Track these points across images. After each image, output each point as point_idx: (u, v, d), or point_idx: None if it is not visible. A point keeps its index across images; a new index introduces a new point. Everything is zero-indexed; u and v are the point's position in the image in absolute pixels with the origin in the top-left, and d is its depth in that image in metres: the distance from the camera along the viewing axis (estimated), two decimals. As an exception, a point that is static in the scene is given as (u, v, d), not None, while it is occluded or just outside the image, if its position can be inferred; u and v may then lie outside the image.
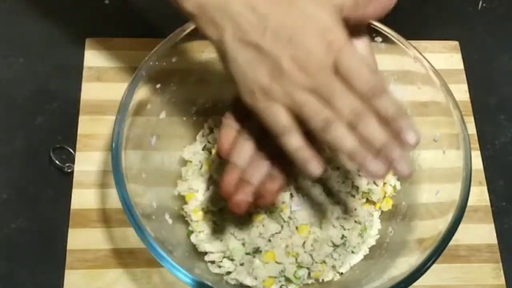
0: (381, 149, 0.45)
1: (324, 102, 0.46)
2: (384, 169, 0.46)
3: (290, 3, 0.46)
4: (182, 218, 0.66)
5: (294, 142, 0.47)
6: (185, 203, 0.66)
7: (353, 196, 0.67)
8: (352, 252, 0.65)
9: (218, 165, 0.65)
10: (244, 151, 0.52)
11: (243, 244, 0.63)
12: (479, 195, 0.71)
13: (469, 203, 0.57)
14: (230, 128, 0.53)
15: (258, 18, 0.46)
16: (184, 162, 0.69)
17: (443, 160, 0.62)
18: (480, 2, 0.86)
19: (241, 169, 0.52)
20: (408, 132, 0.45)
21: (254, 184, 0.51)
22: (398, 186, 0.68)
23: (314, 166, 0.47)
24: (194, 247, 0.64)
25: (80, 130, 0.71)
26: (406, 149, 0.46)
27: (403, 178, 0.44)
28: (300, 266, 0.63)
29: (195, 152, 0.69)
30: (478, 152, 0.74)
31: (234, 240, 0.63)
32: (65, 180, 0.69)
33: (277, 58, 0.46)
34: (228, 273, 0.63)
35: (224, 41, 0.47)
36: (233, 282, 0.62)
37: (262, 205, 0.52)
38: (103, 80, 0.74)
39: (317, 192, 0.65)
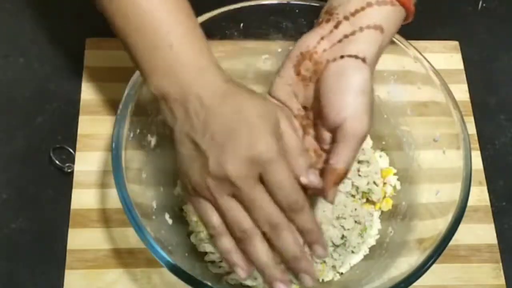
0: (290, 261, 0.48)
1: (246, 209, 0.48)
2: None
3: (238, 110, 0.47)
4: (182, 218, 0.66)
5: (223, 244, 0.50)
6: (185, 203, 0.66)
7: (353, 196, 0.67)
8: (352, 252, 0.65)
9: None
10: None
11: (243, 244, 0.63)
12: (479, 195, 0.71)
13: (469, 203, 0.57)
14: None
15: (205, 117, 0.47)
16: (184, 162, 0.69)
17: (443, 160, 0.62)
18: (480, 2, 0.86)
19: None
20: (318, 246, 0.49)
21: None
22: (398, 186, 0.68)
23: (240, 270, 0.49)
24: (194, 247, 0.64)
25: (80, 130, 0.71)
26: (315, 260, 0.52)
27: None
28: (300, 266, 0.63)
29: (195, 152, 0.69)
30: (478, 152, 0.74)
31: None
32: (65, 180, 0.69)
33: (208, 160, 0.47)
34: (228, 273, 0.62)
35: (174, 130, 0.50)
36: (233, 282, 0.62)
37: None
38: (103, 80, 0.74)
39: (317, 192, 0.65)
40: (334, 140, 0.52)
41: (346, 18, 0.53)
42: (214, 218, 0.49)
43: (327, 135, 0.53)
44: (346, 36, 0.53)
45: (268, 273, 0.49)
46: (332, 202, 0.52)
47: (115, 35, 0.52)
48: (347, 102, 0.51)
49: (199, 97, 0.48)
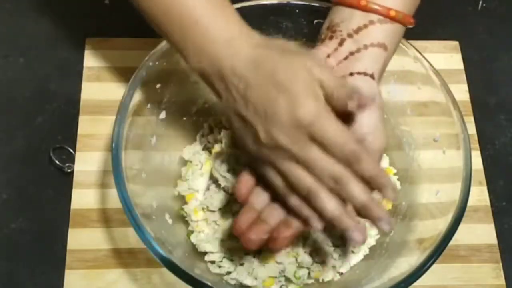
0: (361, 211, 0.48)
1: (306, 168, 0.48)
2: (364, 239, 0.49)
3: (271, 76, 0.48)
4: (182, 218, 0.66)
5: (292, 201, 0.50)
6: (185, 203, 0.66)
7: (353, 196, 0.67)
8: (352, 252, 0.65)
9: (219, 164, 0.65)
10: (261, 199, 0.53)
11: (243, 244, 0.63)
12: (479, 195, 0.71)
13: (469, 203, 0.57)
14: (247, 177, 0.54)
15: (244, 89, 0.48)
16: (184, 162, 0.69)
17: (443, 160, 0.62)
18: (480, 2, 0.86)
19: (258, 211, 0.53)
20: (387, 190, 0.48)
21: (270, 224, 0.52)
22: (398, 186, 0.68)
23: (315, 221, 0.50)
24: (194, 247, 0.64)
25: (80, 130, 0.71)
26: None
27: (384, 234, 0.49)
28: (300, 266, 0.63)
29: (195, 152, 0.69)
30: (478, 152, 0.74)
31: (234, 240, 0.63)
32: (65, 180, 0.69)
33: (256, 130, 0.49)
34: (228, 273, 0.62)
35: (223, 106, 0.51)
36: (233, 282, 0.62)
37: (273, 248, 0.52)
38: (103, 80, 0.74)
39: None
40: None
41: (349, 35, 0.54)
42: (277, 180, 0.50)
43: None
44: (351, 54, 0.53)
45: (342, 223, 0.48)
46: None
47: (156, 32, 0.53)
48: (365, 118, 0.52)
49: (232, 69, 0.48)
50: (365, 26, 0.53)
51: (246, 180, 0.54)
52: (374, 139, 0.52)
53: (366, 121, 0.52)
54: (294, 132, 0.47)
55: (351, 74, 0.53)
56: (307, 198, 0.49)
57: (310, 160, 0.48)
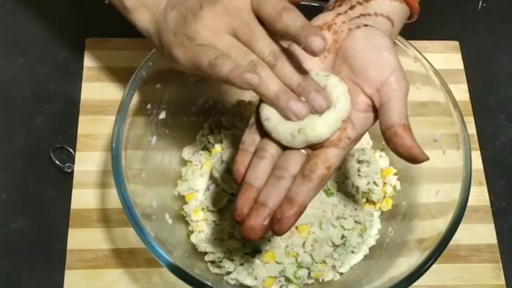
0: (299, 88, 0.48)
1: (247, 45, 0.48)
2: (306, 109, 0.48)
3: None
4: (182, 218, 0.66)
5: (226, 66, 0.46)
6: (185, 203, 0.66)
7: (353, 196, 0.67)
8: (352, 252, 0.65)
9: (219, 164, 0.65)
10: (260, 170, 0.49)
11: (243, 244, 0.63)
12: (479, 195, 0.71)
13: (469, 203, 0.57)
14: (246, 152, 0.51)
15: None
16: (184, 162, 0.69)
17: (443, 160, 0.62)
18: (480, 2, 0.86)
19: (257, 190, 0.48)
20: (314, 38, 0.45)
21: (270, 207, 0.47)
22: (398, 186, 0.68)
23: (250, 75, 0.46)
24: (194, 247, 0.64)
25: (80, 130, 0.71)
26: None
27: (319, 112, 0.47)
28: (300, 266, 0.63)
29: (195, 152, 0.69)
30: (478, 152, 0.74)
31: (234, 240, 0.63)
32: (65, 180, 0.69)
33: (198, 1, 0.48)
34: (228, 273, 0.62)
35: (157, 19, 0.52)
36: (233, 282, 0.62)
37: (278, 231, 0.46)
38: (103, 80, 0.74)
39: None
40: (380, 104, 0.49)
41: (359, 3, 0.53)
42: (216, 51, 0.47)
43: (363, 99, 0.50)
44: (363, 15, 0.52)
45: (283, 96, 0.48)
46: (424, 159, 0.48)
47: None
48: (387, 58, 0.49)
49: None
50: None
51: (244, 158, 0.50)
52: (398, 76, 0.49)
53: (384, 61, 0.49)
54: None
55: (365, 25, 0.51)
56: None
57: (252, 32, 0.48)
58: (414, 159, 0.48)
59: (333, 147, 0.48)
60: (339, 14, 0.52)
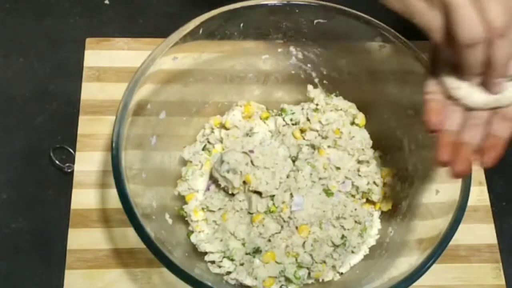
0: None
1: (478, 9, 0.46)
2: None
3: None
4: (182, 218, 0.66)
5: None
6: (185, 203, 0.66)
7: (353, 196, 0.67)
8: (352, 252, 0.65)
9: (219, 165, 0.65)
10: (455, 118, 0.52)
11: (243, 244, 0.63)
12: (479, 195, 0.71)
13: (469, 203, 0.57)
14: (434, 100, 0.53)
15: None
16: (184, 162, 0.69)
17: (443, 160, 0.62)
18: (480, 2, 0.85)
19: (456, 134, 0.52)
20: None
21: (474, 143, 0.51)
22: (398, 186, 0.68)
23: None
24: (194, 247, 0.64)
25: (80, 130, 0.71)
26: None
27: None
28: (300, 266, 0.63)
29: (195, 152, 0.69)
30: (478, 152, 0.74)
31: (234, 240, 0.63)
32: (65, 180, 0.69)
33: None
34: (228, 273, 0.63)
35: None
36: (233, 282, 0.62)
37: (488, 161, 0.50)
38: (103, 80, 0.74)
39: (317, 192, 0.65)
40: None
41: None
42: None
43: None
44: None
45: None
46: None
47: None
48: None
49: None
50: None
51: (435, 104, 0.52)
52: None
53: None
54: None
55: None
56: (462, 47, 0.47)
57: None
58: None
59: None
60: None
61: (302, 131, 0.69)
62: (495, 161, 0.50)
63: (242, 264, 0.62)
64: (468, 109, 0.53)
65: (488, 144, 0.51)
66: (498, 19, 0.46)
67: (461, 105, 0.53)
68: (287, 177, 0.65)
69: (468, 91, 0.52)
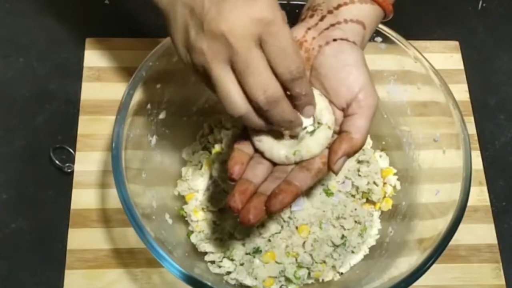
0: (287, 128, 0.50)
1: (240, 78, 0.45)
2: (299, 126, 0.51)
3: None
4: (182, 218, 0.66)
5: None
6: (185, 203, 0.66)
7: (353, 196, 0.67)
8: (352, 252, 0.65)
9: (219, 165, 0.65)
10: (258, 171, 0.52)
11: (243, 244, 0.63)
12: (479, 195, 0.71)
13: (469, 203, 0.57)
14: (241, 152, 0.52)
15: None
16: (184, 162, 0.69)
17: (443, 160, 0.62)
18: (480, 2, 0.86)
19: (255, 185, 0.50)
20: (310, 107, 0.50)
21: (267, 194, 0.49)
22: (398, 186, 0.68)
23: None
24: (194, 247, 0.64)
25: (80, 130, 0.71)
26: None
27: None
28: (300, 266, 0.63)
29: (195, 152, 0.69)
30: (478, 152, 0.74)
31: (234, 240, 0.63)
32: (65, 180, 0.69)
33: (204, 18, 0.44)
34: (228, 273, 0.63)
35: (172, 3, 0.47)
36: (233, 282, 0.62)
37: (272, 206, 0.48)
38: (103, 80, 0.74)
39: (317, 192, 0.65)
40: (346, 115, 0.52)
41: (330, 12, 0.54)
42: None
43: (338, 115, 0.53)
44: (332, 25, 0.53)
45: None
46: (336, 173, 0.51)
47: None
48: (356, 76, 0.52)
49: None
50: (345, 3, 0.54)
51: (240, 156, 0.51)
52: (367, 93, 0.51)
53: (353, 78, 0.51)
54: (244, 24, 0.43)
55: (334, 40, 0.53)
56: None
57: (248, 63, 0.44)
58: (329, 166, 0.51)
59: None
60: (309, 28, 0.54)
61: (302, 131, 0.69)
62: (279, 207, 0.48)
63: (242, 264, 0.62)
64: (274, 163, 0.52)
65: (279, 188, 0.49)
66: (258, 94, 0.46)
67: (267, 159, 0.52)
68: (287, 177, 0.65)
69: (269, 145, 0.52)
